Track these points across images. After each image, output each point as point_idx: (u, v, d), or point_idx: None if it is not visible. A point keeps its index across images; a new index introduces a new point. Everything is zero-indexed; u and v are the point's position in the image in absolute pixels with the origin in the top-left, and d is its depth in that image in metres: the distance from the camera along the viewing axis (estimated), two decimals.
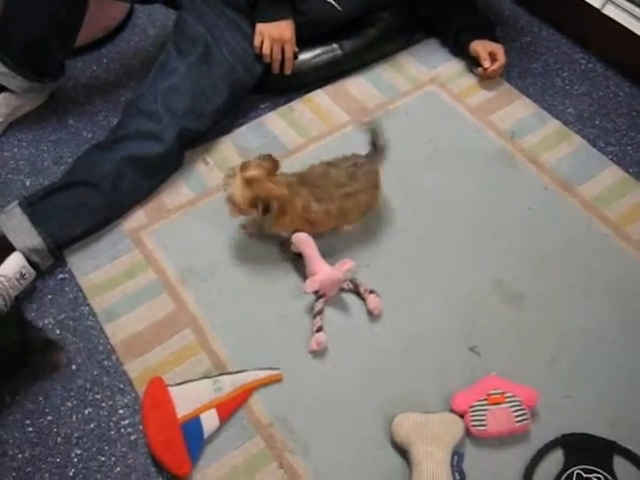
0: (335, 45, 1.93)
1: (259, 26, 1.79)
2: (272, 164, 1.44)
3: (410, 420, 1.29)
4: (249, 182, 1.40)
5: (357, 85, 1.95)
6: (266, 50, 1.79)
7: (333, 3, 1.86)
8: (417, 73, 1.98)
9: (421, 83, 1.96)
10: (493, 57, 1.91)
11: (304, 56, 1.90)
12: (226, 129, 1.84)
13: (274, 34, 1.79)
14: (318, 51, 1.91)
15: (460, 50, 2.00)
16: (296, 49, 1.85)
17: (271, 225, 1.48)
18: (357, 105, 1.89)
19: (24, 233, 1.53)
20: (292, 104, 1.90)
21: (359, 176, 1.50)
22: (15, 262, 1.48)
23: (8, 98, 1.84)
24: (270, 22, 1.78)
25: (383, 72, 1.98)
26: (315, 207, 1.46)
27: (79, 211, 1.58)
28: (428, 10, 2.02)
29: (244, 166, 1.42)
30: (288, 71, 1.86)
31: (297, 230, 1.48)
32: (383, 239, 1.60)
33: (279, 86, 1.92)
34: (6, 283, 1.46)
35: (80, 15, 1.75)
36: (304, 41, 1.87)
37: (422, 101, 1.91)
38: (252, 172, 1.41)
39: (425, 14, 2.03)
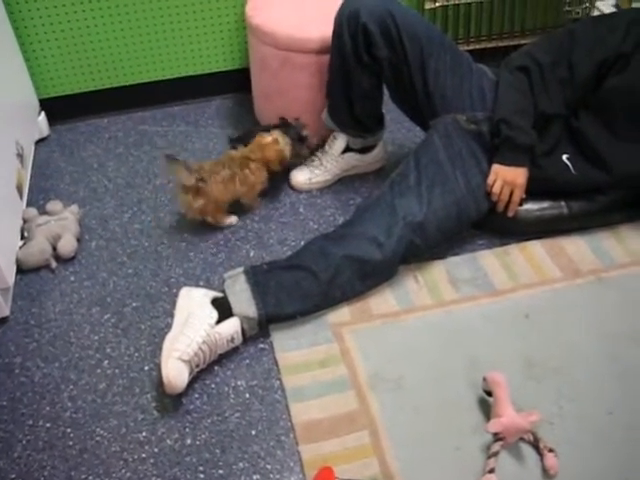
0: (563, 203, 1.97)
1: (496, 167, 1.88)
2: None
3: None
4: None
5: (575, 245, 1.98)
6: (496, 189, 1.88)
7: (569, 165, 1.93)
8: (638, 248, 1.98)
9: None
10: None
11: (531, 206, 1.97)
12: (440, 255, 1.93)
13: (508, 177, 1.87)
14: (545, 204, 1.97)
15: None
16: (524, 196, 1.92)
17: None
18: (571, 265, 1.92)
19: (243, 301, 1.68)
20: (508, 247, 1.97)
21: None
22: (232, 326, 1.64)
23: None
24: (507, 166, 1.87)
25: (604, 239, 2.00)
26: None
27: (295, 293, 1.72)
28: None
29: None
30: (511, 213, 1.93)
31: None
32: (574, 403, 1.58)
33: (499, 228, 2.00)
34: (218, 341, 1.61)
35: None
36: (534, 192, 1.95)
37: (638, 277, 1.89)
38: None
39: None
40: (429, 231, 1.80)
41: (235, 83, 2.60)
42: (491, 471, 1.42)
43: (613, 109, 1.87)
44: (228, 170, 1.98)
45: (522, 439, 1.50)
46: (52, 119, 2.44)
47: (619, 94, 1.84)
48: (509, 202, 1.91)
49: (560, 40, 1.88)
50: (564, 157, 1.93)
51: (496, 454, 1.45)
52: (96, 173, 2.28)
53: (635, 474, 1.46)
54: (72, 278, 1.90)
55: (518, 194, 1.90)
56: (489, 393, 1.54)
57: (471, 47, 2.67)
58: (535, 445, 1.49)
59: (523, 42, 2.70)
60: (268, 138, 2.05)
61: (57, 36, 2.31)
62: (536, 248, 1.97)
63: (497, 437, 1.47)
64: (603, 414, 1.56)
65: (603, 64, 1.83)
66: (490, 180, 1.88)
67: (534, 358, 1.67)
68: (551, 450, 1.46)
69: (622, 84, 1.83)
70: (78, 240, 1.98)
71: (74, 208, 2.04)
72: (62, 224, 1.96)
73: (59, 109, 2.45)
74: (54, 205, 2.02)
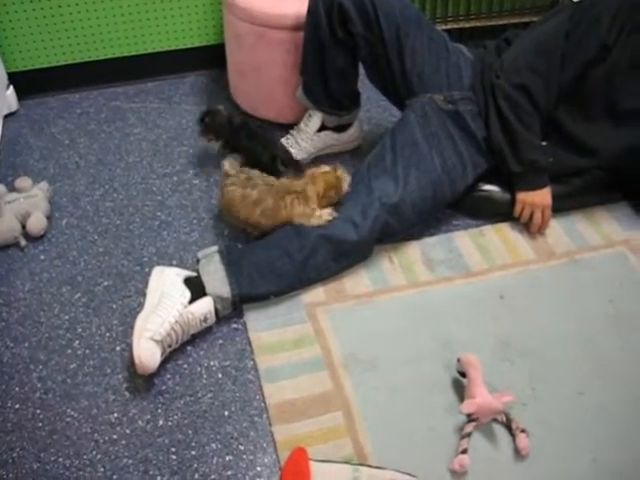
0: None
1: (521, 195, 1.91)
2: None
3: None
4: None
5: (549, 227, 1.98)
6: (526, 215, 1.93)
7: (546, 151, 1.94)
8: (611, 231, 1.99)
9: (612, 242, 1.96)
10: None
11: (503, 188, 1.97)
12: (415, 235, 1.93)
13: (537, 201, 1.91)
14: None
15: None
16: None
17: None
18: (545, 246, 1.93)
19: (217, 280, 1.67)
20: (483, 229, 1.97)
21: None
22: (205, 306, 1.62)
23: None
24: (533, 190, 1.91)
25: (577, 222, 2.01)
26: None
27: (269, 273, 1.71)
28: (633, 177, 2.04)
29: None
30: (542, 232, 1.96)
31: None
32: (546, 384, 1.60)
33: (474, 209, 2.00)
34: (190, 320, 1.59)
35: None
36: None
37: (610, 259, 1.91)
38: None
39: (629, 179, 2.06)
40: (404, 212, 1.79)
41: (210, 59, 2.55)
42: (464, 451, 1.43)
43: (591, 97, 1.87)
44: (257, 193, 1.78)
45: (495, 420, 1.51)
46: (21, 93, 2.39)
47: (598, 83, 1.84)
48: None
49: (551, 39, 1.85)
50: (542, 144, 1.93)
51: (469, 435, 1.45)
52: (67, 149, 2.24)
53: (604, 453, 1.47)
54: (42, 257, 1.87)
55: (549, 214, 1.94)
56: (463, 374, 1.54)
57: (449, 26, 2.65)
58: (508, 426, 1.50)
59: (501, 22, 2.70)
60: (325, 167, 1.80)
61: (26, 7, 2.25)
62: (511, 229, 1.98)
63: (470, 418, 1.47)
64: (574, 394, 1.58)
65: (589, 59, 1.82)
66: (518, 209, 1.93)
67: (508, 339, 1.68)
68: (523, 431, 1.47)
69: (601, 74, 1.83)
70: (48, 218, 1.94)
71: (44, 185, 1.99)
72: (31, 201, 1.92)
73: (28, 83, 2.39)
74: (23, 182, 1.97)
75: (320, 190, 1.75)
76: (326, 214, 1.75)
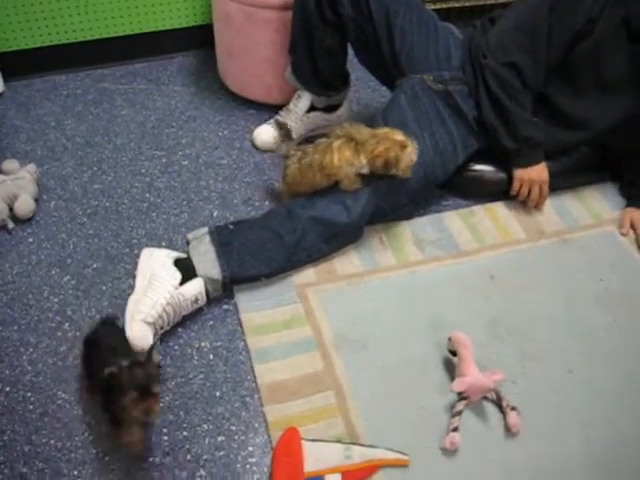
0: None
1: (518, 172, 1.92)
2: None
3: None
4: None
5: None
6: (524, 192, 1.94)
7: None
8: (600, 210, 2.00)
9: (602, 221, 1.97)
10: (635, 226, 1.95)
11: (494, 168, 1.97)
12: (406, 215, 1.93)
13: (534, 177, 1.91)
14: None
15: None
16: None
17: None
18: (535, 225, 1.94)
19: (208, 261, 1.66)
20: (474, 208, 1.97)
21: None
22: (196, 287, 1.61)
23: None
24: (529, 167, 1.91)
25: (567, 201, 2.02)
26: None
27: (260, 255, 1.70)
28: (619, 154, 2.05)
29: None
30: (539, 208, 1.98)
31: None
32: (536, 362, 1.61)
33: (465, 188, 2.00)
34: (181, 302, 1.59)
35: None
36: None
37: (600, 238, 1.92)
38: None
39: (616, 156, 2.06)
40: (396, 194, 1.79)
41: (198, 40, 2.53)
42: (455, 429, 1.44)
43: (579, 71, 1.86)
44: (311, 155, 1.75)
45: (485, 398, 1.52)
46: (6, 75, 2.35)
47: (585, 57, 1.83)
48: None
49: (533, 14, 1.83)
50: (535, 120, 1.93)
51: (460, 413, 1.46)
52: (54, 131, 2.21)
53: (593, 430, 1.49)
54: (30, 239, 1.85)
55: (546, 189, 1.95)
56: (454, 353, 1.55)
57: (437, 6, 2.63)
58: (498, 404, 1.51)
59: (489, 2, 2.68)
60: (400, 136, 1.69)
61: None
62: (501, 209, 1.98)
63: (461, 396, 1.48)
64: (564, 372, 1.59)
65: (576, 33, 1.81)
66: (516, 187, 1.93)
67: (498, 318, 1.69)
68: (514, 408, 1.48)
69: (588, 48, 1.82)
70: (36, 200, 1.92)
71: (31, 167, 1.97)
72: (19, 184, 1.90)
73: (14, 64, 2.36)
74: (10, 164, 1.95)
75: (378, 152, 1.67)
76: (358, 181, 1.72)
